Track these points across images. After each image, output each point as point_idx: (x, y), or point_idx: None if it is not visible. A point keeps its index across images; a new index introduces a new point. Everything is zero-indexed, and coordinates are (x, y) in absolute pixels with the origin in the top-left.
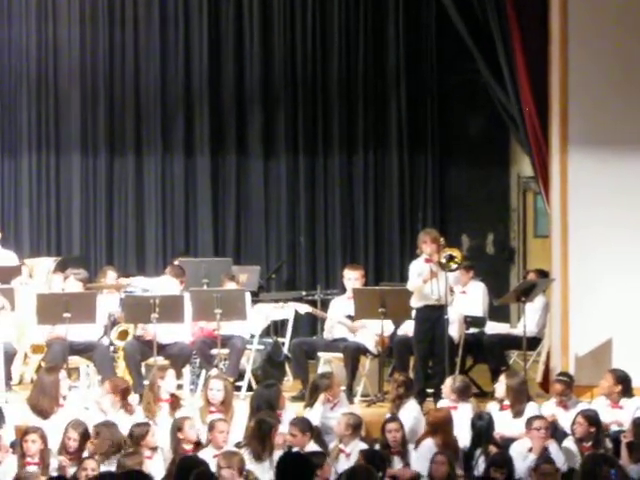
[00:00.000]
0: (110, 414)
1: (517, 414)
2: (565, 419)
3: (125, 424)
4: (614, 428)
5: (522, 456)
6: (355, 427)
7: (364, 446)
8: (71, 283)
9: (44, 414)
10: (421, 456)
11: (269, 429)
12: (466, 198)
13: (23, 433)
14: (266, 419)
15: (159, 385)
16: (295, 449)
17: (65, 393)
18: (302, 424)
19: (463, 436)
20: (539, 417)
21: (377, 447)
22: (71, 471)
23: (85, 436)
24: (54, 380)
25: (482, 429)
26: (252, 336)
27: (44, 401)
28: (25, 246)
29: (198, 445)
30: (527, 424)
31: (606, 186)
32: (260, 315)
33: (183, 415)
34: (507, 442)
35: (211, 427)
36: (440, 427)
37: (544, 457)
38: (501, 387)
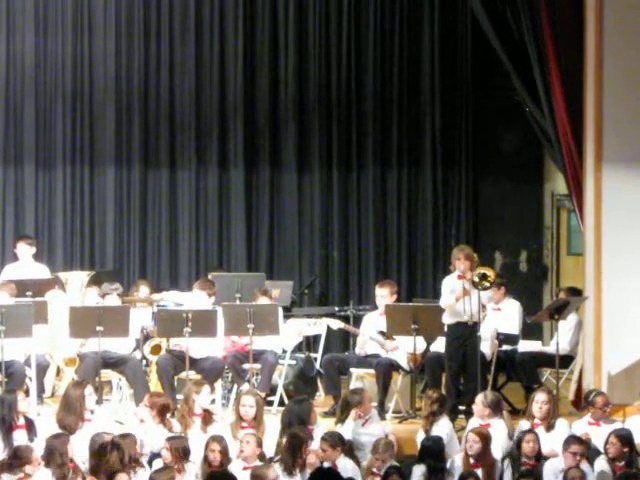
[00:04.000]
0: (150, 425)
1: (548, 428)
2: (598, 437)
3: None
4: None
5: (554, 473)
6: (391, 455)
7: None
8: (112, 299)
9: (69, 429)
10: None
11: (301, 443)
12: (499, 215)
13: None
14: (298, 433)
15: (194, 399)
16: (326, 464)
17: (92, 408)
18: (332, 438)
19: (496, 452)
20: (578, 441)
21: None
22: None
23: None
24: (79, 395)
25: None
26: (284, 351)
27: (69, 416)
28: (58, 259)
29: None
30: (565, 444)
31: None
32: (292, 330)
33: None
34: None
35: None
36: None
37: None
38: (534, 405)
